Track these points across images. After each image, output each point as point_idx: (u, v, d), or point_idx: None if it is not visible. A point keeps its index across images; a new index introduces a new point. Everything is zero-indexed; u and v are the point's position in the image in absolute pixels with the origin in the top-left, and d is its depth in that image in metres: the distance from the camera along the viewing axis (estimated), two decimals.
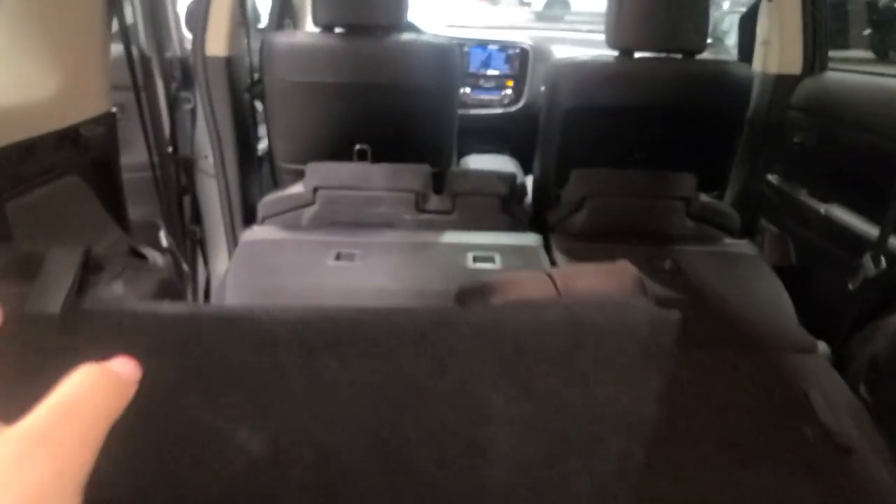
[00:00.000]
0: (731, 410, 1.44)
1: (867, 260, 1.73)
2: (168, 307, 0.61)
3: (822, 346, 1.72)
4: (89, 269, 0.62)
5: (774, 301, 1.93)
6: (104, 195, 1.37)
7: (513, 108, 3.37)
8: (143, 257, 1.38)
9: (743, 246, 2.27)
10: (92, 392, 0.29)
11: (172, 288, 0.81)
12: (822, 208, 2.05)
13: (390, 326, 0.65)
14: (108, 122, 1.38)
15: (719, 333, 1.73)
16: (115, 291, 0.65)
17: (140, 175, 2.17)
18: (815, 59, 2.33)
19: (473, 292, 0.78)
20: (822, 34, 2.30)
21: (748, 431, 1.38)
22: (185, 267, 2.26)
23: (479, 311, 0.66)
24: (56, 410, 0.28)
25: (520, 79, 3.36)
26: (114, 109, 1.41)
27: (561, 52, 3.34)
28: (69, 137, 1.24)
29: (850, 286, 1.79)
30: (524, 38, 3.42)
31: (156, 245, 2.35)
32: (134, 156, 2.15)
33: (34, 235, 1.14)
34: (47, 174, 1.21)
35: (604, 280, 0.73)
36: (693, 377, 1.52)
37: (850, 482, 1.29)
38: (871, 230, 1.83)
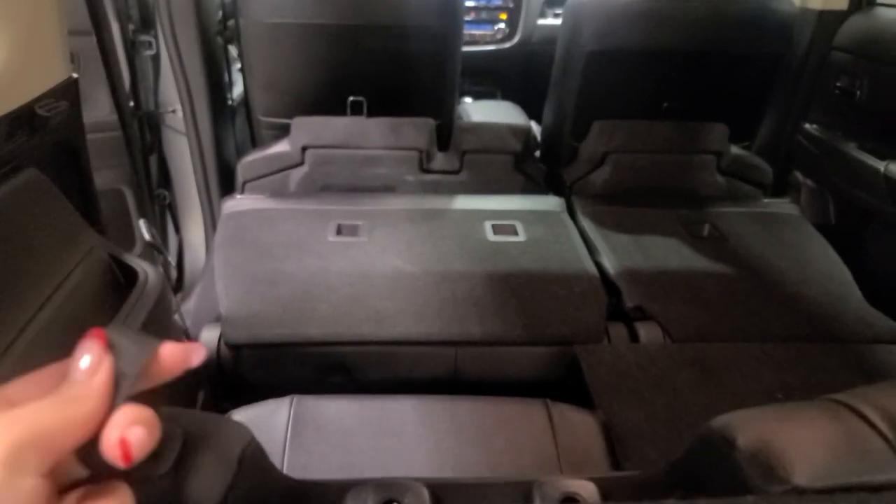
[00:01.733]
0: None
1: None
2: None
3: None
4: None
5: (833, 274, 1.74)
6: (70, 188, 1.07)
7: (507, 45, 3.05)
8: (126, 267, 1.10)
9: (784, 206, 2.07)
10: None
11: (258, 454, 0.54)
12: (882, 166, 1.84)
13: None
14: (69, 94, 1.07)
15: (787, 321, 1.53)
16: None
17: (96, 136, 1.85)
18: None
19: (731, 442, 0.53)
20: None
21: None
22: (171, 259, 1.95)
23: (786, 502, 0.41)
24: None
25: (514, 11, 3.02)
26: (75, 75, 1.10)
27: None
28: (23, 120, 0.93)
29: None
30: None
31: (123, 215, 2.05)
32: (87, 114, 1.83)
33: None
34: None
35: None
36: (778, 383, 1.33)
37: None
38: None
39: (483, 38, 3.05)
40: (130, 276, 1.08)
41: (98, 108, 1.91)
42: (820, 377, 1.35)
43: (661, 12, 1.98)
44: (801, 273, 1.71)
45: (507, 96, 3.09)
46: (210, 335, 1.43)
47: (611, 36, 2.01)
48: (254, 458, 0.51)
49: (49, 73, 1.02)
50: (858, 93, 2.00)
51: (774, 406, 0.57)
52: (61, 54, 1.06)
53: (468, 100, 3.00)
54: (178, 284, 2.21)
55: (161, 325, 1.10)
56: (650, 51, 2.02)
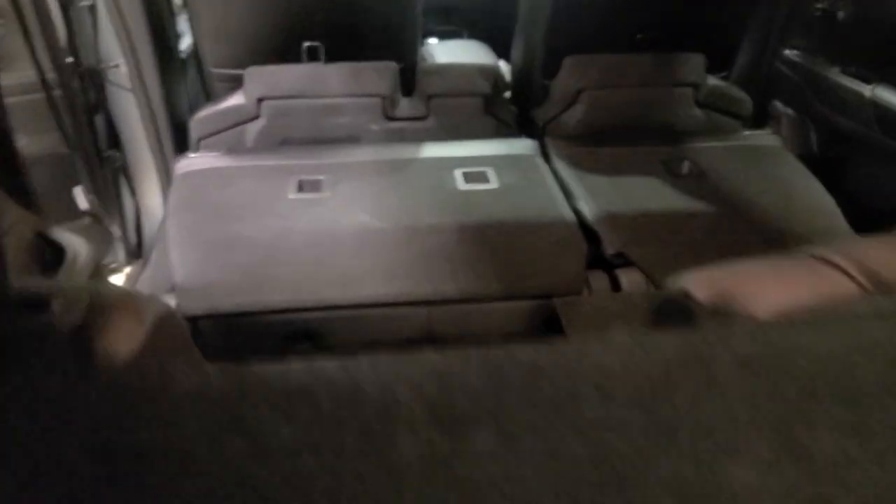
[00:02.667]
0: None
1: None
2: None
3: None
4: None
5: (818, 206, 1.68)
6: None
7: None
8: (55, 246, 0.99)
9: (764, 137, 2.00)
10: None
11: (178, 330, 0.49)
12: (867, 90, 1.76)
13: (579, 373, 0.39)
14: None
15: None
16: None
17: (32, 97, 1.72)
18: None
19: (702, 295, 0.49)
20: None
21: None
22: (117, 230, 1.84)
23: (747, 330, 0.36)
24: None
25: None
26: None
27: None
28: None
29: None
30: None
31: (70, 182, 1.92)
32: (20, 73, 1.69)
33: None
34: None
35: None
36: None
37: None
38: None
39: None
40: (60, 254, 0.98)
41: (32, 67, 1.77)
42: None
43: None
44: (786, 207, 1.65)
45: (473, 35, 2.97)
46: None
47: None
48: (174, 331, 0.46)
49: None
50: (841, 13, 1.91)
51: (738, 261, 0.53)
52: None
53: (432, 40, 2.87)
54: (138, 252, 2.10)
55: None
56: None
